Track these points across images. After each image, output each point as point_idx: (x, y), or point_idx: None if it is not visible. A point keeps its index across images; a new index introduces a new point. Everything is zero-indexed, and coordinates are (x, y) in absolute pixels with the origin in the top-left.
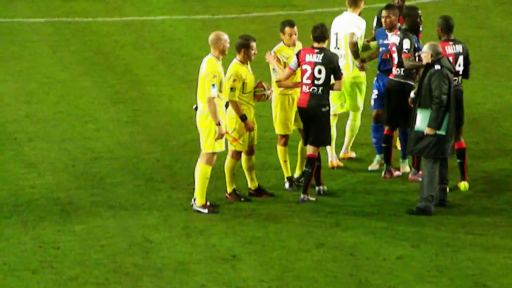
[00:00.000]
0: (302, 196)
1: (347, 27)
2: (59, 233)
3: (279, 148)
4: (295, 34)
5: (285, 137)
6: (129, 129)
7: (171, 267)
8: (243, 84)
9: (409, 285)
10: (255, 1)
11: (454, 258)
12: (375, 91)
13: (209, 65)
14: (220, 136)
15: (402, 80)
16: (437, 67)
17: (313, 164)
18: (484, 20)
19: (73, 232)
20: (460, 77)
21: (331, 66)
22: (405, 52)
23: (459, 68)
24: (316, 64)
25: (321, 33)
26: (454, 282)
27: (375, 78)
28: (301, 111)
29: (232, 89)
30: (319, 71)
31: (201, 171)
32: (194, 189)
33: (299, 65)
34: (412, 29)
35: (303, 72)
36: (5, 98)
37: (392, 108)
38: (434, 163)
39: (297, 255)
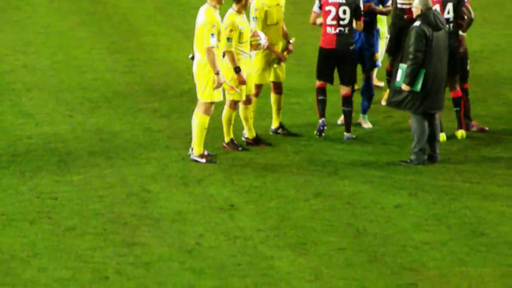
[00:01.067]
0: (346, 134)
1: None
2: (56, 184)
3: (272, 96)
4: None
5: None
6: (126, 79)
7: (169, 217)
8: (240, 34)
9: (406, 233)
10: None
11: (451, 206)
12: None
13: (207, 14)
14: (219, 85)
15: None
16: (417, 23)
17: (351, 103)
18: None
19: (70, 183)
20: (451, 25)
21: (354, 5)
22: None
23: (448, 15)
24: (340, 4)
25: None
26: (452, 230)
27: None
28: (329, 52)
29: (229, 39)
30: (344, 12)
31: (199, 121)
32: (191, 139)
33: (321, 7)
34: None
35: (327, 14)
36: (2, 48)
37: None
38: (420, 117)
39: (295, 205)
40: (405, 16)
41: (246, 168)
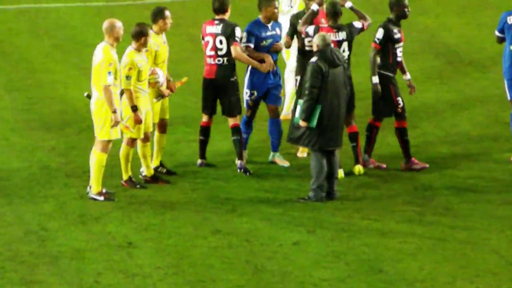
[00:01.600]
0: (238, 162)
1: None
2: None
3: (156, 134)
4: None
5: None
6: (24, 116)
7: (67, 255)
8: (139, 72)
9: (305, 270)
10: None
11: (350, 243)
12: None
13: (105, 52)
14: (116, 123)
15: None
16: (313, 59)
17: (239, 132)
18: (378, 5)
19: None
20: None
21: (229, 35)
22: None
23: (344, 53)
24: (217, 35)
25: (219, 5)
26: (350, 267)
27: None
28: (209, 82)
29: (127, 77)
30: (220, 42)
31: (97, 158)
32: (89, 176)
33: (202, 37)
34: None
35: (206, 44)
36: None
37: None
38: (318, 154)
39: (193, 242)
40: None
41: (145, 206)
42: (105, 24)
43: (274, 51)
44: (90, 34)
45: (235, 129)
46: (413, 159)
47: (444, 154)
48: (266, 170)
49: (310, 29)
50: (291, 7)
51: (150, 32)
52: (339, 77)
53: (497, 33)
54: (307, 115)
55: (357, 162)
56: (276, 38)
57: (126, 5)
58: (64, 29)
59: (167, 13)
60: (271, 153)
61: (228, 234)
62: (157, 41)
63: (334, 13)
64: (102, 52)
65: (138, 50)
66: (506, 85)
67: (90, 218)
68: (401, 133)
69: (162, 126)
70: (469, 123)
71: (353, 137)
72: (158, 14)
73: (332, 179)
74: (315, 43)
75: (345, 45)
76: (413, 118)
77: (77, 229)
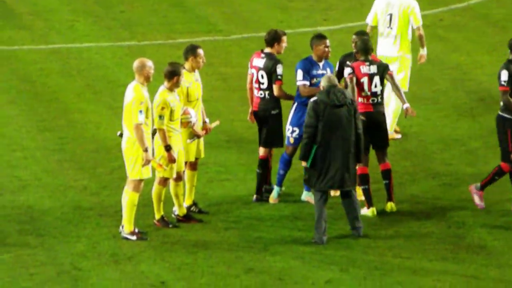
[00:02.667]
0: (254, 196)
1: (401, 7)
2: None
3: (188, 173)
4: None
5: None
6: (56, 156)
7: None
8: (171, 111)
9: None
10: (180, 27)
11: (382, 281)
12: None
13: (136, 91)
14: (147, 162)
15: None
16: (313, 99)
17: (264, 166)
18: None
19: (1, 261)
20: (378, 97)
21: (270, 71)
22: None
23: (376, 89)
24: (260, 68)
25: (269, 38)
26: None
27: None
28: (255, 114)
29: (160, 117)
30: (262, 76)
31: (129, 198)
32: (122, 216)
33: (250, 68)
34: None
35: (251, 76)
36: None
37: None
38: (317, 194)
39: (226, 281)
40: None
41: (177, 245)
42: (136, 64)
43: None
44: (122, 73)
45: (261, 162)
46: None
47: None
48: (299, 209)
49: (347, 70)
50: (391, 28)
51: (183, 71)
52: (341, 117)
53: None
54: (303, 154)
55: (389, 199)
56: None
57: (158, 44)
58: (96, 69)
59: (200, 51)
60: (304, 192)
61: (261, 273)
62: (188, 78)
63: (365, 49)
64: (133, 91)
65: (171, 89)
66: None
67: (123, 258)
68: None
69: (194, 164)
70: None
71: (386, 174)
72: (189, 51)
73: (351, 218)
74: (321, 84)
75: (376, 79)
76: (446, 155)
77: (110, 268)
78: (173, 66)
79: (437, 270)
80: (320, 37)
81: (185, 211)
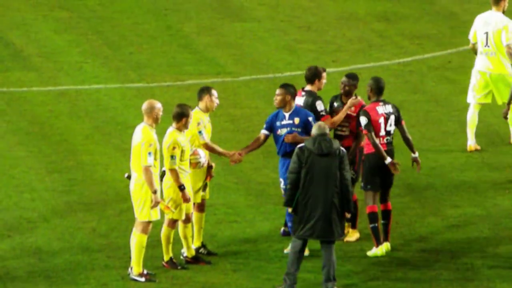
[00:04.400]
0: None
1: (497, 25)
2: None
3: (195, 214)
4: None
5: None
6: (64, 198)
7: None
8: (181, 151)
9: None
10: (189, 69)
11: None
12: None
13: (144, 133)
14: (156, 204)
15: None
16: (299, 145)
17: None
18: (418, 84)
19: None
20: (391, 136)
21: (310, 107)
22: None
23: (390, 127)
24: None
25: (309, 75)
26: None
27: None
28: None
29: (172, 157)
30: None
31: (137, 239)
32: (130, 257)
33: None
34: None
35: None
36: None
37: None
38: (295, 241)
39: None
40: None
41: (186, 287)
42: (145, 105)
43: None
44: (131, 115)
45: None
46: None
47: (486, 233)
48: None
49: (363, 119)
50: (488, 46)
51: (191, 112)
52: (325, 167)
53: None
54: (286, 200)
55: (386, 239)
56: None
57: (167, 86)
58: (105, 110)
59: (214, 91)
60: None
61: None
62: (204, 119)
63: (378, 88)
64: (142, 133)
65: (179, 130)
66: None
67: None
68: None
69: (201, 206)
70: (511, 202)
71: (386, 214)
72: (204, 91)
73: (324, 272)
74: (312, 132)
75: (392, 118)
76: (454, 197)
77: None
78: (182, 108)
79: None
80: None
81: (193, 252)
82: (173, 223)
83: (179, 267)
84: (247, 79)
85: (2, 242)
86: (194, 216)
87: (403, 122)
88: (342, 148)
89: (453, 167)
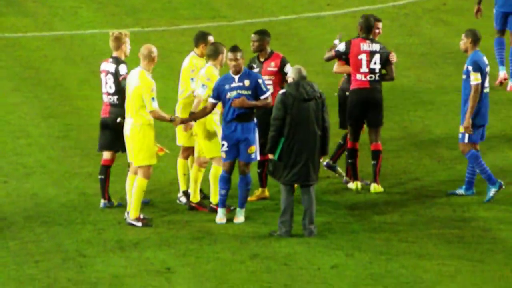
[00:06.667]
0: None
1: None
2: None
3: (180, 161)
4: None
5: (188, 149)
6: (60, 143)
7: (106, 281)
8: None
9: None
10: (184, 13)
11: (388, 266)
12: None
13: (142, 78)
14: (179, 123)
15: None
16: (281, 91)
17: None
18: (414, 27)
19: (6, 248)
20: (376, 75)
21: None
22: None
23: (375, 66)
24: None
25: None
26: None
27: None
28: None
29: (204, 86)
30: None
31: (139, 184)
32: (127, 202)
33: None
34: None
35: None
36: None
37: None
38: (284, 188)
39: (231, 267)
40: None
41: (182, 231)
42: (143, 50)
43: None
44: (126, 59)
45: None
46: None
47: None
48: None
49: (342, 45)
50: None
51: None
52: (309, 112)
53: None
54: (270, 147)
55: (374, 180)
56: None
57: (162, 30)
58: (100, 55)
59: (210, 38)
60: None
61: (266, 258)
62: (201, 64)
63: (366, 25)
64: (139, 79)
65: (215, 67)
66: None
67: (128, 244)
68: None
69: (186, 150)
70: None
71: (375, 155)
72: (200, 38)
73: (305, 215)
74: (290, 76)
75: (377, 57)
76: (450, 140)
77: (115, 255)
78: (217, 46)
79: (442, 254)
80: (233, 49)
81: (198, 198)
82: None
83: (232, 207)
84: (242, 23)
85: None
86: (179, 162)
87: (393, 66)
88: (321, 91)
89: (449, 109)
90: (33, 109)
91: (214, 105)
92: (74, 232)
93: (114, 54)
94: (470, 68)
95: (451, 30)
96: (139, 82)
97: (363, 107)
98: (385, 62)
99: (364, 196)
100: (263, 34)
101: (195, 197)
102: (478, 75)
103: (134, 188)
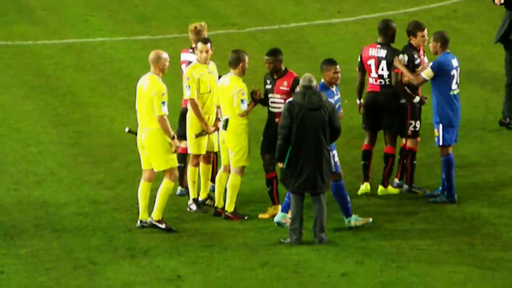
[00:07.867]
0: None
1: None
2: (3, 257)
3: (190, 169)
4: (207, 52)
5: (198, 157)
6: (71, 151)
7: None
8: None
9: None
10: (195, 21)
11: (398, 273)
12: None
13: (154, 83)
14: (177, 148)
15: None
16: (289, 100)
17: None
18: None
19: (17, 256)
20: (385, 80)
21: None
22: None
23: (382, 72)
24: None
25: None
26: None
27: None
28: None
29: (242, 101)
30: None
31: (166, 186)
32: (138, 209)
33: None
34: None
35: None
36: None
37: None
38: (294, 197)
39: (242, 274)
40: None
41: (193, 239)
42: (152, 55)
43: None
44: (136, 67)
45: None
46: None
47: (492, 182)
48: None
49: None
50: None
51: (246, 57)
52: (316, 121)
53: None
54: (279, 155)
55: (381, 183)
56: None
57: (172, 38)
58: (110, 63)
59: (199, 44)
60: (279, 213)
61: (277, 266)
62: (200, 70)
63: (380, 28)
64: (150, 83)
65: (239, 76)
66: None
67: (138, 252)
68: None
69: (207, 158)
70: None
71: (385, 158)
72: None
73: (316, 223)
74: (300, 83)
75: (383, 63)
76: (461, 147)
77: (126, 262)
78: (238, 53)
79: (453, 261)
80: (329, 62)
81: (233, 207)
82: (242, 170)
83: (245, 218)
84: (252, 31)
85: (8, 195)
86: (201, 168)
87: (396, 71)
88: (330, 101)
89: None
90: (43, 117)
91: None
92: (84, 240)
93: (194, 45)
94: (430, 64)
95: (461, 37)
96: (150, 86)
97: (375, 111)
98: (389, 67)
99: (374, 203)
100: (275, 55)
101: (230, 207)
102: (431, 74)
103: (160, 190)
